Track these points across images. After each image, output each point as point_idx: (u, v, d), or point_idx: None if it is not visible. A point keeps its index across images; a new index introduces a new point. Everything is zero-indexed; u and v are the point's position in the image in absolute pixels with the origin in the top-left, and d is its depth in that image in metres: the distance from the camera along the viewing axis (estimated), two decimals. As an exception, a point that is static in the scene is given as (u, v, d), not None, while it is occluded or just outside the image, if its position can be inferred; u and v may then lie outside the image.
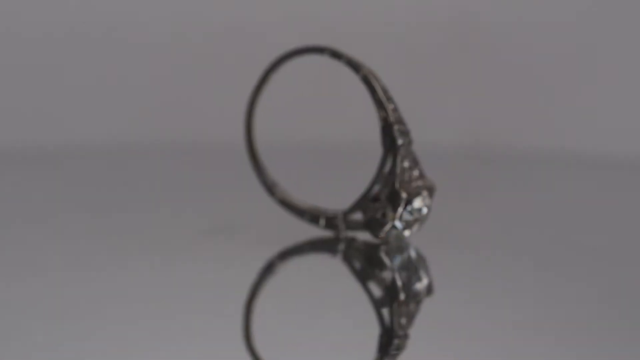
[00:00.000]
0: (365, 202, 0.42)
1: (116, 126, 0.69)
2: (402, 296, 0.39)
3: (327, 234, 0.44)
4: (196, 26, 0.70)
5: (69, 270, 0.42)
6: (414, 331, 0.36)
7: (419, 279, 0.41)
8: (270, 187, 0.44)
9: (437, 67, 0.71)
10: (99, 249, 0.44)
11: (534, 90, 0.71)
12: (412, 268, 0.42)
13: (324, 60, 0.43)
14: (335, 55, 0.43)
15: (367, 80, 0.42)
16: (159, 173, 0.61)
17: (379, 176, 0.42)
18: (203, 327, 0.36)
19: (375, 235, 0.42)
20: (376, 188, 0.42)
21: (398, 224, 0.42)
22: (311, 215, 0.44)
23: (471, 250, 0.45)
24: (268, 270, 0.41)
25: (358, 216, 0.43)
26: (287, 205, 0.44)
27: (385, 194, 0.42)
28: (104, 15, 0.70)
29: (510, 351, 0.35)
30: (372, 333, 0.36)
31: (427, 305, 0.38)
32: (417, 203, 0.42)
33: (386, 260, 0.42)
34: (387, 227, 0.42)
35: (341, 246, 0.43)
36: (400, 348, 0.35)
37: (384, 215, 0.42)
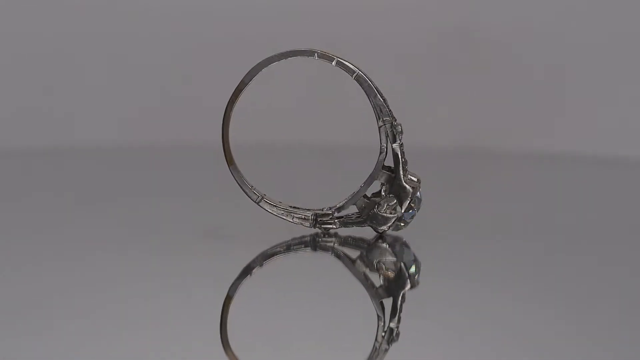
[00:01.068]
0: (359, 198, 0.43)
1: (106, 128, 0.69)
2: (408, 286, 0.40)
3: (313, 232, 0.44)
4: (194, 28, 0.70)
5: (60, 268, 0.42)
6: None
7: (418, 270, 0.41)
8: (250, 193, 0.44)
9: (432, 69, 0.71)
10: (91, 247, 0.45)
11: (524, 92, 0.71)
12: (411, 259, 0.43)
13: (314, 61, 0.43)
14: (325, 57, 0.43)
15: (364, 81, 0.43)
16: (154, 173, 0.61)
17: (376, 172, 0.43)
18: (190, 325, 0.36)
19: (379, 229, 0.43)
20: (372, 184, 0.43)
21: (399, 216, 0.43)
22: (296, 215, 0.44)
23: (457, 243, 0.46)
24: (252, 270, 0.41)
25: (343, 213, 0.44)
26: (271, 207, 0.44)
27: (390, 189, 0.43)
28: (103, 17, 0.71)
29: (498, 343, 0.35)
30: (363, 324, 0.37)
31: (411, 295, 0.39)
32: (417, 195, 0.43)
33: (391, 251, 0.43)
34: (392, 220, 0.43)
35: (334, 243, 0.43)
36: (398, 336, 0.35)
37: (387, 209, 0.43)
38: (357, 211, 0.44)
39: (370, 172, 0.43)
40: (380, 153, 0.43)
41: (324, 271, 0.42)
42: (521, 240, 0.47)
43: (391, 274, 0.41)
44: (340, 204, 0.44)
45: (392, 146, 0.43)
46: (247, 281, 0.40)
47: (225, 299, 0.38)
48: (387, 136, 0.43)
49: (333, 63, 0.43)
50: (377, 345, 0.35)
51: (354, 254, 0.43)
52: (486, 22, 0.71)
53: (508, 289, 0.40)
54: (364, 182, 0.43)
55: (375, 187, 0.43)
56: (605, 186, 0.60)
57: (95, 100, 0.70)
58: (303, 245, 0.43)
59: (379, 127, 0.43)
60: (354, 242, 0.44)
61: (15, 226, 0.49)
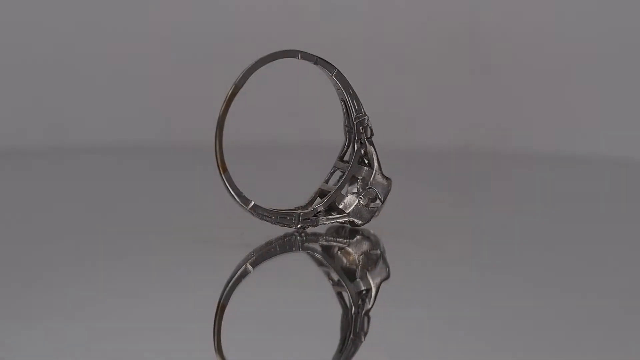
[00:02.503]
0: (338, 194, 0.44)
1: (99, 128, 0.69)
2: (385, 276, 0.41)
3: (294, 231, 0.44)
4: (191, 29, 0.71)
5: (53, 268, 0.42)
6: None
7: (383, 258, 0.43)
8: (240, 199, 0.44)
9: (432, 68, 0.71)
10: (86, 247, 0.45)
11: (524, 92, 0.71)
12: (384, 250, 0.44)
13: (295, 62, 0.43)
14: (308, 57, 0.43)
15: (342, 77, 0.44)
16: (148, 173, 0.61)
17: (355, 167, 0.44)
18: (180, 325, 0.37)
19: (360, 223, 0.44)
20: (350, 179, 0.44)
21: (380, 207, 0.44)
22: (278, 216, 0.44)
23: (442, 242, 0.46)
24: (239, 275, 0.41)
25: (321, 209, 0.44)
26: (257, 210, 0.44)
27: (371, 182, 0.44)
28: (102, 18, 0.71)
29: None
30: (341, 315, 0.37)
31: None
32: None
33: (372, 244, 0.44)
34: (374, 213, 0.44)
35: (315, 240, 0.44)
36: (369, 322, 0.36)
37: (369, 202, 0.44)
38: (325, 208, 0.44)
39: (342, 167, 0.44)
40: (357, 148, 0.44)
41: (306, 269, 0.42)
42: (519, 239, 0.47)
43: (371, 266, 0.41)
44: (322, 200, 0.44)
45: (367, 141, 0.44)
46: (236, 285, 0.40)
47: (218, 306, 0.38)
48: (361, 132, 0.44)
49: (314, 62, 0.43)
50: (353, 336, 0.35)
51: (335, 249, 0.43)
52: (487, 21, 0.71)
53: (503, 287, 0.40)
54: (343, 179, 0.44)
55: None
56: (605, 186, 0.59)
57: (94, 101, 0.70)
58: (287, 246, 0.43)
59: (355, 123, 0.43)
60: (334, 238, 0.44)
61: (13, 225, 0.49)
